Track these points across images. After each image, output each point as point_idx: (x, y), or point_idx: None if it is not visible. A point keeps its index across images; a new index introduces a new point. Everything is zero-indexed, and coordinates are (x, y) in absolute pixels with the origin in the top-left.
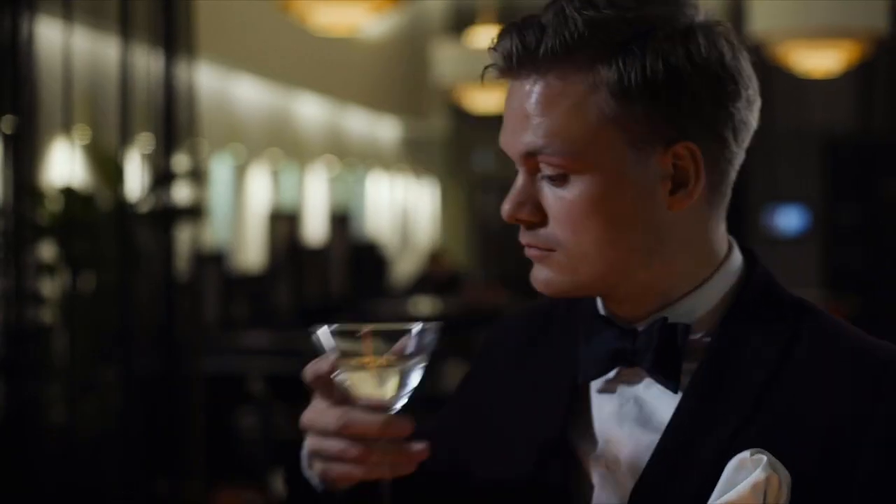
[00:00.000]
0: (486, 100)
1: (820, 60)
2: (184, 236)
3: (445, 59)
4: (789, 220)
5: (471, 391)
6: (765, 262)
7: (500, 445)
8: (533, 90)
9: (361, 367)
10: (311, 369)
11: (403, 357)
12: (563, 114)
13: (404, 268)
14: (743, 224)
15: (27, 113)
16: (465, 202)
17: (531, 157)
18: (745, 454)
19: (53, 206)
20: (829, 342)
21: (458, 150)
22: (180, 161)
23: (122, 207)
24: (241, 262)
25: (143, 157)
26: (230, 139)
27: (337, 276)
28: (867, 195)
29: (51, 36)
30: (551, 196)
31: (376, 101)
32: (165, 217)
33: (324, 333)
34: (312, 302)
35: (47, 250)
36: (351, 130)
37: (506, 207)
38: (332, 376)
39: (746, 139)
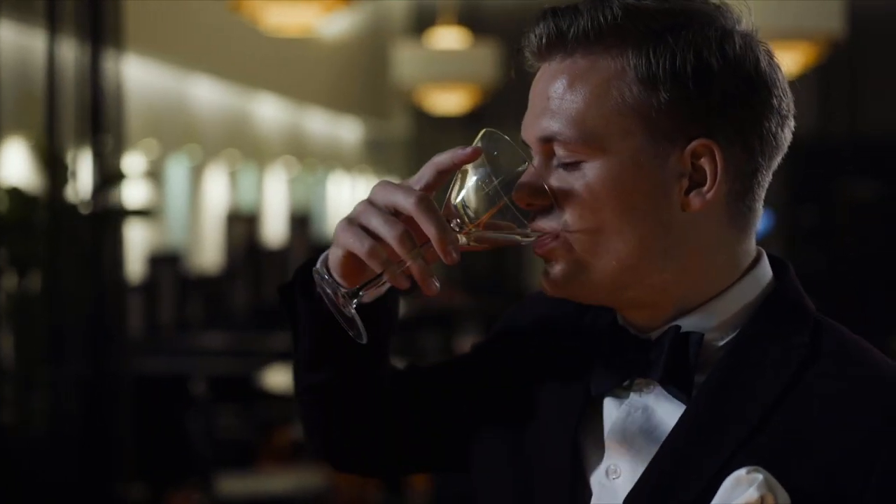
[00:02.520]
0: (447, 101)
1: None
2: (133, 236)
3: (406, 59)
4: None
5: (490, 356)
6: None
7: (506, 430)
8: (559, 72)
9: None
10: (448, 158)
11: (519, 231)
12: (585, 96)
13: None
14: None
15: None
16: None
17: (548, 142)
18: (742, 471)
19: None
20: (847, 365)
21: (420, 151)
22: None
23: (62, 207)
24: (198, 263)
25: (85, 155)
26: (187, 140)
27: None
28: (825, 197)
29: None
30: (564, 181)
31: (337, 102)
32: (106, 218)
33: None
34: (270, 303)
35: None
36: (311, 131)
37: (516, 191)
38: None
39: (775, 157)
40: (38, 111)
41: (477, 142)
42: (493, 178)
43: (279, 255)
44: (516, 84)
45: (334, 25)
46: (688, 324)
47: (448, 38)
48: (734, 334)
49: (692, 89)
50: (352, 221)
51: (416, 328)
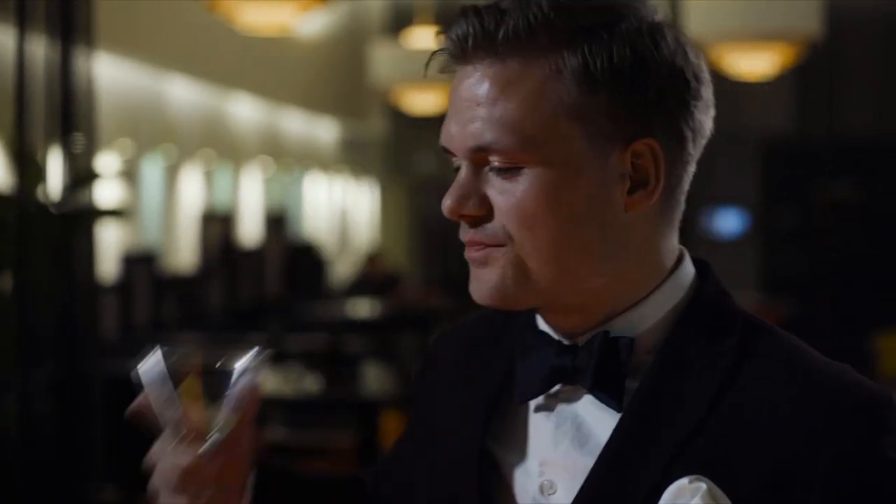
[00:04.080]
0: (424, 101)
1: (754, 63)
2: (105, 236)
3: (383, 59)
4: (727, 222)
5: (414, 415)
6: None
7: (431, 469)
8: (488, 76)
9: (175, 407)
10: (132, 408)
11: (218, 404)
12: (520, 101)
13: (342, 270)
14: (681, 226)
15: None
16: (405, 204)
17: (481, 149)
18: (684, 481)
19: None
20: (781, 364)
21: (397, 152)
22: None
23: (33, 207)
24: (173, 263)
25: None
26: (162, 139)
27: (272, 278)
28: (804, 198)
29: None
30: (500, 189)
31: (313, 102)
32: (78, 218)
33: (153, 364)
34: (246, 304)
35: None
36: (287, 131)
37: (448, 202)
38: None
39: (701, 145)
40: (7, 110)
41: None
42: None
43: (254, 256)
44: None
45: (311, 25)
46: (617, 328)
47: (425, 37)
48: (663, 337)
49: (630, 87)
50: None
51: (394, 329)
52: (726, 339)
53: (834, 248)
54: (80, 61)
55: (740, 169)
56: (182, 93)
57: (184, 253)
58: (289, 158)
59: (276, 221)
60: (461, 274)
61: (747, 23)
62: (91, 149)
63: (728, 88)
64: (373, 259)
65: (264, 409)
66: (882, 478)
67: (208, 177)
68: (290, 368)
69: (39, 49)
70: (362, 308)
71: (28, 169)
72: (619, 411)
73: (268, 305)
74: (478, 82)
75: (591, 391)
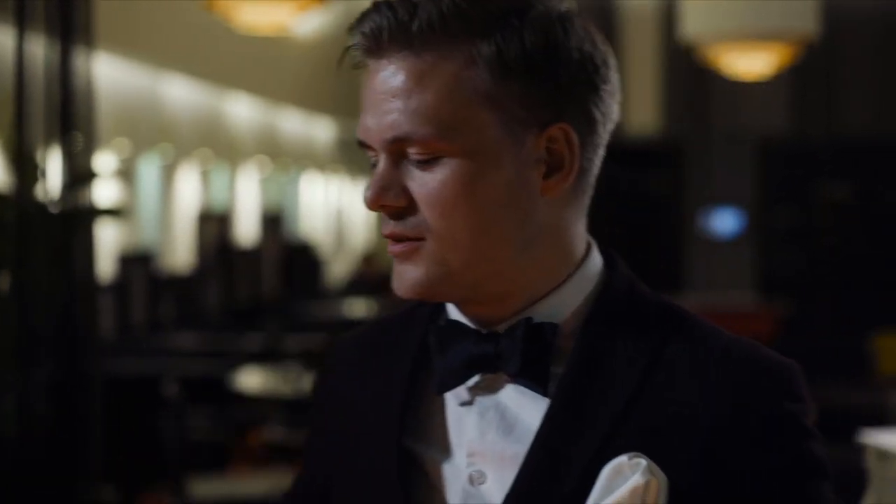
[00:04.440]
0: None
1: (752, 63)
2: (103, 235)
3: None
4: (724, 222)
5: (320, 424)
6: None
7: (350, 475)
8: (403, 68)
9: None
10: None
11: None
12: (436, 92)
13: (338, 269)
14: (678, 226)
15: None
16: None
17: (399, 142)
18: (623, 458)
19: None
20: (698, 343)
21: None
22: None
23: (32, 206)
24: (170, 263)
25: (56, 154)
26: (159, 139)
27: (268, 278)
28: (801, 198)
29: None
30: (420, 180)
31: (310, 102)
32: (76, 217)
33: None
34: (242, 303)
35: None
36: (284, 131)
37: (368, 194)
38: None
39: (610, 129)
40: (6, 109)
41: None
42: None
43: (251, 255)
44: None
45: (307, 24)
46: (539, 314)
47: None
48: (582, 323)
49: (543, 73)
50: None
51: None
52: (645, 323)
53: (832, 247)
54: (79, 61)
55: (738, 169)
56: (179, 92)
57: (181, 252)
58: (285, 158)
59: (273, 221)
60: None
61: (745, 23)
62: (90, 148)
63: (727, 89)
64: (369, 259)
65: (263, 408)
66: (787, 436)
67: (205, 176)
68: (289, 368)
69: (39, 49)
70: (359, 308)
71: (27, 168)
72: (545, 396)
73: (265, 305)
74: (393, 75)
75: (516, 378)
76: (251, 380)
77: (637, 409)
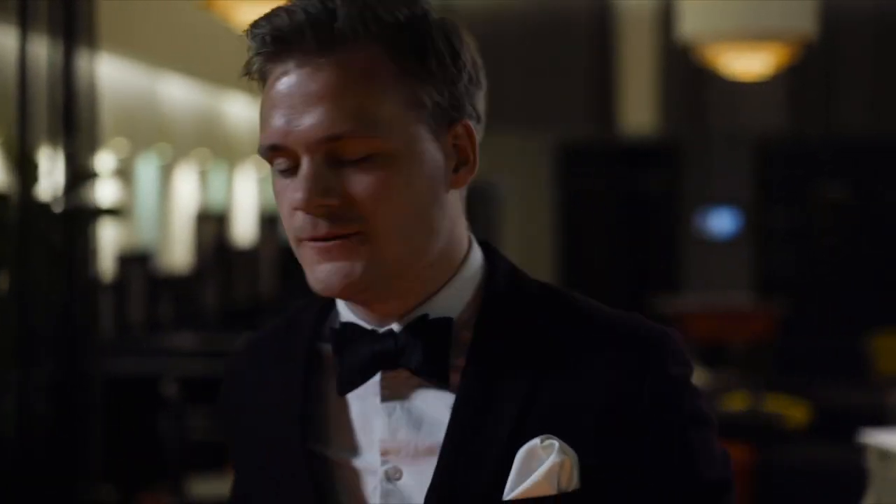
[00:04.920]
0: None
1: (749, 63)
2: (102, 235)
3: None
4: (721, 222)
5: (231, 443)
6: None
7: (263, 488)
8: (329, 69)
9: None
10: None
11: None
12: (369, 92)
13: None
14: (675, 226)
15: None
16: None
17: (332, 140)
18: (536, 442)
19: None
20: (583, 321)
21: None
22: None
23: (33, 206)
24: (168, 263)
25: (57, 154)
26: (157, 139)
27: (266, 278)
28: (799, 198)
29: None
30: (355, 178)
31: None
32: (77, 217)
33: None
34: (240, 303)
35: None
36: None
37: (303, 196)
38: None
39: (483, 127)
40: (8, 110)
41: None
42: None
43: (249, 255)
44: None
45: None
46: (434, 310)
47: None
48: (475, 315)
49: (451, 75)
50: None
51: None
52: (532, 309)
53: (830, 248)
54: (82, 62)
55: (736, 169)
56: (177, 92)
57: (179, 252)
58: None
59: (271, 221)
60: None
61: (743, 23)
62: (92, 149)
63: (725, 89)
64: None
65: None
66: (677, 397)
67: (203, 176)
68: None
69: (42, 50)
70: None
71: (28, 169)
72: (448, 390)
73: (263, 305)
74: (314, 76)
75: (418, 372)
76: None
77: (539, 392)
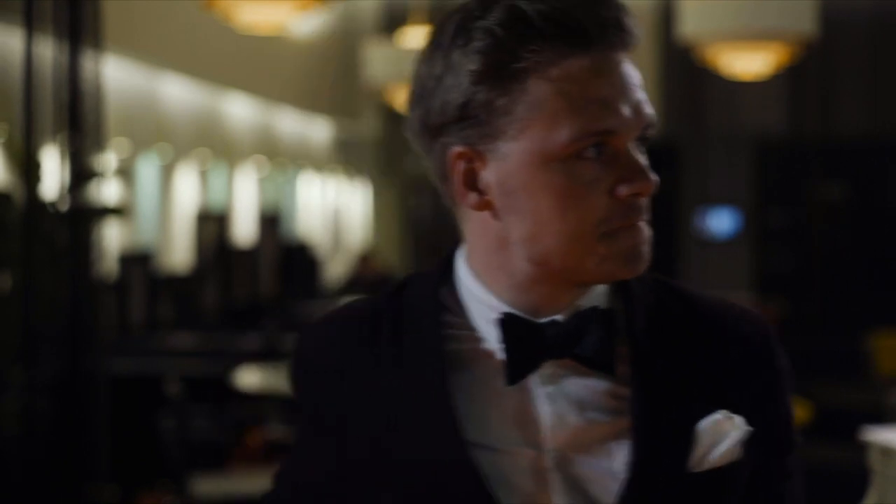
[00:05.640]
0: None
1: (749, 63)
2: (105, 235)
3: (377, 59)
4: (720, 222)
5: (314, 440)
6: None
7: (388, 484)
8: (629, 63)
9: None
10: None
11: None
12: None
13: (336, 269)
14: (674, 226)
15: None
16: (398, 204)
17: (649, 127)
18: (718, 416)
19: None
20: (706, 304)
21: (391, 152)
22: (91, 158)
23: (37, 206)
24: (168, 263)
25: (61, 154)
26: (157, 139)
27: (266, 278)
28: (797, 198)
29: None
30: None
31: (308, 102)
32: (81, 216)
33: None
34: (241, 303)
35: None
36: (282, 130)
37: (652, 178)
38: None
39: None
40: (13, 109)
41: None
42: None
43: (249, 255)
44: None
45: (305, 24)
46: (587, 300)
47: (419, 37)
48: (618, 304)
49: None
50: None
51: None
52: (663, 296)
53: (828, 248)
54: (86, 62)
55: (734, 169)
56: (177, 92)
57: (179, 252)
58: (283, 158)
59: (270, 221)
60: None
61: (742, 23)
62: (96, 148)
63: (724, 89)
64: (366, 259)
65: (262, 407)
66: (781, 356)
67: (203, 176)
68: (288, 367)
69: (47, 50)
70: None
71: (34, 168)
72: (605, 377)
73: (263, 304)
74: (630, 67)
75: (587, 361)
76: (250, 379)
77: (700, 373)
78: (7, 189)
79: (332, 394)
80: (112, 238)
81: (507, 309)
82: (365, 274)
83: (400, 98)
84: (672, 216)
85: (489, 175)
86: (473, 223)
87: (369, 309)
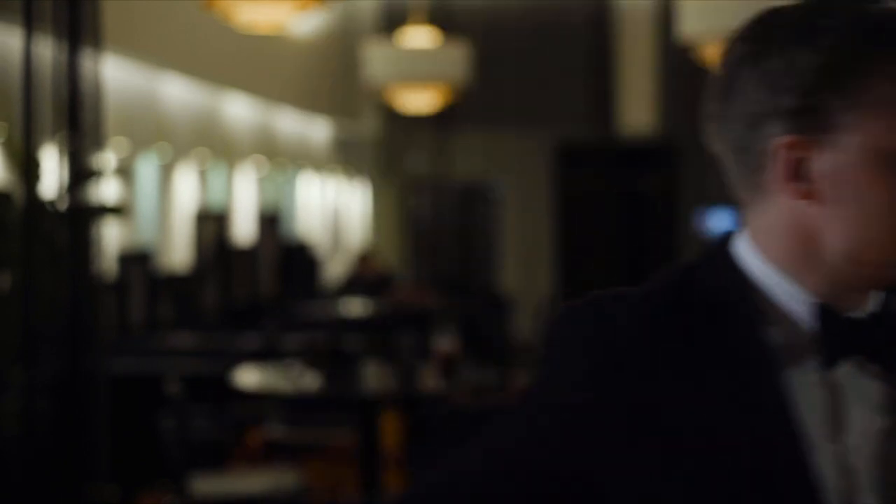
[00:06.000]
0: (417, 100)
1: None
2: (105, 235)
3: (376, 59)
4: (720, 222)
5: (588, 433)
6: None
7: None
8: None
9: None
10: None
11: None
12: None
13: (335, 269)
14: (674, 226)
15: None
16: (397, 203)
17: None
18: None
19: None
20: None
21: (390, 151)
22: (91, 158)
23: (36, 205)
24: (168, 263)
25: (61, 153)
26: (157, 138)
27: (266, 277)
28: None
29: None
30: None
31: (307, 101)
32: (79, 215)
33: None
34: (240, 303)
35: None
36: (281, 130)
37: None
38: None
39: None
40: (12, 109)
41: None
42: None
43: (248, 255)
44: (484, 84)
45: (305, 24)
46: (873, 304)
47: (418, 37)
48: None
49: None
50: None
51: (390, 327)
52: None
53: None
54: (86, 61)
55: None
56: (177, 91)
57: (178, 252)
58: (282, 158)
59: (270, 221)
60: (452, 273)
61: (741, 22)
62: (95, 148)
63: None
64: (365, 259)
65: (262, 407)
66: None
67: (203, 176)
68: (288, 366)
69: (46, 50)
70: (356, 307)
71: (33, 168)
72: (878, 377)
73: (262, 304)
74: None
75: (881, 359)
76: (250, 378)
77: None
78: (6, 188)
79: (654, 390)
80: (112, 238)
81: (814, 300)
82: (364, 274)
83: (399, 97)
84: (672, 216)
85: (822, 165)
86: (780, 213)
87: (659, 302)
